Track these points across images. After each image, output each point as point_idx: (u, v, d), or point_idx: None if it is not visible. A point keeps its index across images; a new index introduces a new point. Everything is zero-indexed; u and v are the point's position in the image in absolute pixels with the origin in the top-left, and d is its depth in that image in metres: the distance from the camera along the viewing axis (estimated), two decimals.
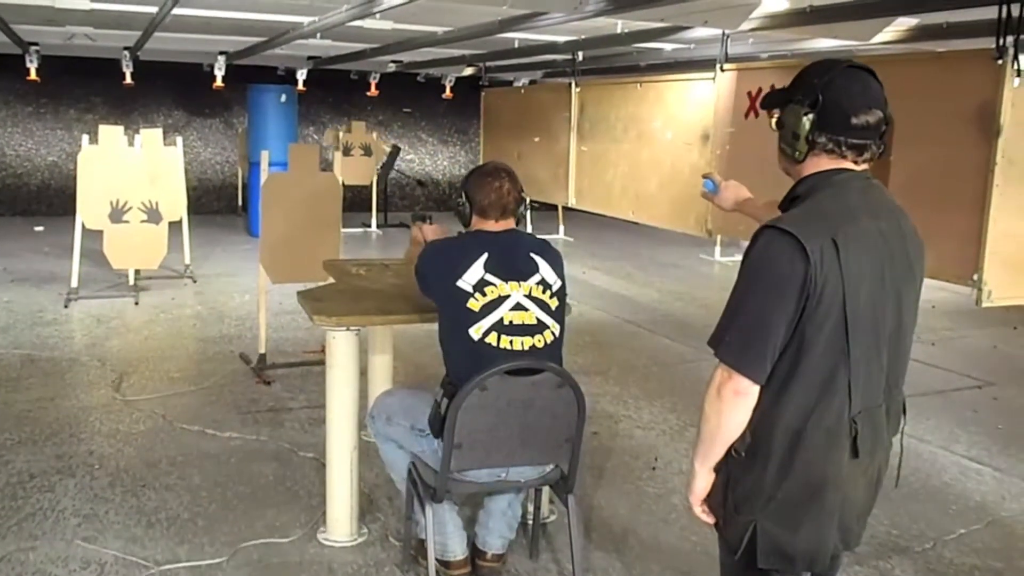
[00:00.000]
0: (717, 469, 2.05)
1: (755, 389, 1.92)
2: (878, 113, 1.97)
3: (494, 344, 2.93)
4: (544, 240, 3.22)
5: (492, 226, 3.09)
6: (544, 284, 3.03)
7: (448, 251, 3.07)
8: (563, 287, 3.10)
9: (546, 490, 3.60)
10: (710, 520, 2.12)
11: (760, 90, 5.08)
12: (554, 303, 3.04)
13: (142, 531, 3.68)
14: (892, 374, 2.03)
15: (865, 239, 1.92)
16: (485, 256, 2.97)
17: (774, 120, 2.09)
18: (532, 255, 3.06)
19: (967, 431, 5.20)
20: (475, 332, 2.93)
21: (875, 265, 1.93)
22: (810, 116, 1.97)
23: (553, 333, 3.03)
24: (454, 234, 3.27)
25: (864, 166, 2.02)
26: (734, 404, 1.93)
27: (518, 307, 2.96)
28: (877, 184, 2.05)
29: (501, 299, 2.95)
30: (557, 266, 3.10)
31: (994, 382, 6.20)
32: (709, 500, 2.09)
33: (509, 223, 3.12)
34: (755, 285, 1.92)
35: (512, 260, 3.02)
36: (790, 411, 1.93)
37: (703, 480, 2.06)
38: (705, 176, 2.86)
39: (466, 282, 2.94)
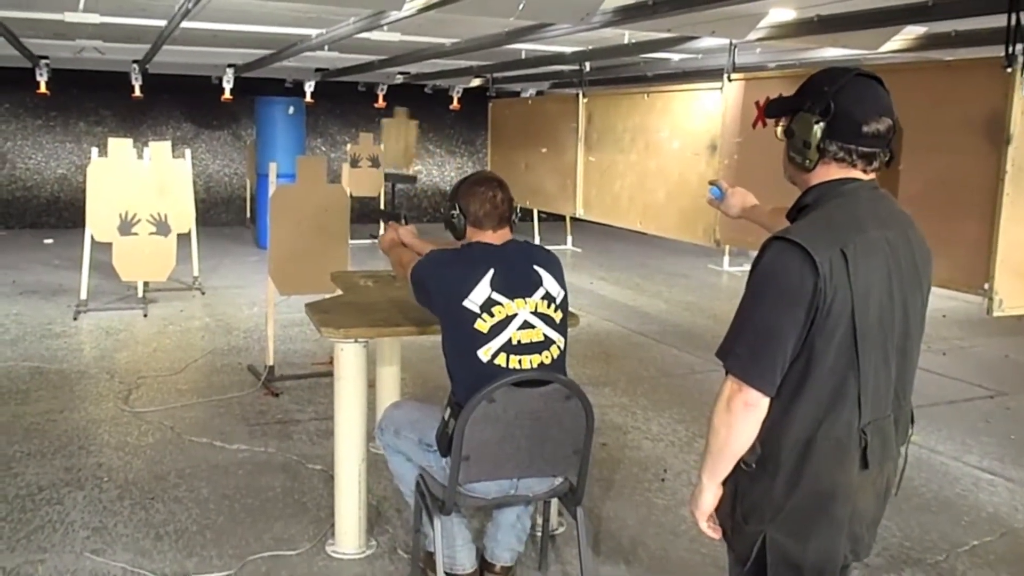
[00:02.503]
0: (724, 481, 2.03)
1: (765, 401, 1.91)
2: (888, 121, 1.97)
3: (503, 365, 2.90)
4: (542, 247, 3.19)
5: (491, 237, 3.05)
6: (549, 297, 3.00)
7: (453, 266, 3.01)
8: (565, 297, 3.07)
9: (555, 502, 3.58)
10: (716, 535, 2.10)
11: (768, 100, 5.07)
12: (558, 316, 3.02)
13: (150, 544, 3.67)
14: (900, 384, 2.02)
15: (873, 250, 1.91)
16: (491, 273, 2.93)
17: (780, 128, 2.08)
18: (536, 267, 3.02)
19: (979, 441, 5.17)
20: (484, 354, 2.90)
21: (883, 275, 1.92)
22: (821, 124, 1.96)
23: (559, 347, 3.02)
24: (426, 235, 3.23)
25: (872, 175, 2.01)
26: (744, 416, 1.92)
27: (525, 325, 2.94)
28: (884, 193, 2.04)
29: (509, 319, 2.91)
30: (558, 275, 3.07)
31: (1006, 392, 6.16)
32: (717, 511, 2.07)
33: (507, 233, 3.08)
34: (764, 297, 1.91)
35: (518, 275, 2.98)
36: (799, 422, 1.92)
37: (711, 495, 2.04)
38: (711, 183, 2.83)
39: (473, 302, 2.90)
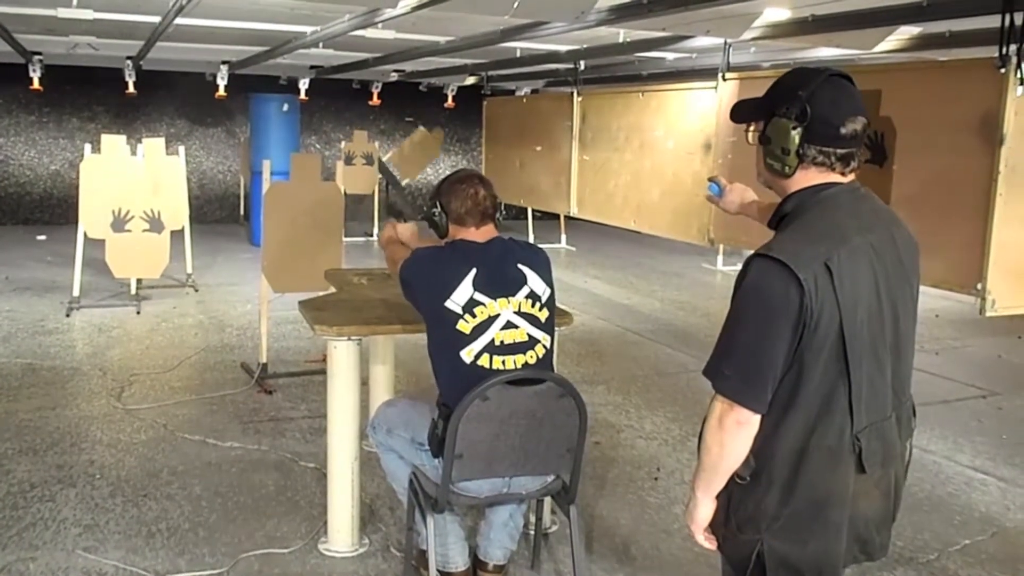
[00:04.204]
0: (718, 493, 2.03)
1: (756, 418, 1.90)
2: (862, 120, 1.95)
3: (486, 366, 2.89)
4: (530, 245, 3.17)
5: (474, 234, 3.03)
6: (533, 296, 2.98)
7: (436, 265, 2.99)
8: (552, 295, 3.06)
9: (548, 500, 3.58)
10: (712, 546, 2.09)
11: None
12: (544, 315, 3.00)
13: (143, 541, 3.67)
14: (897, 383, 2.01)
15: (857, 257, 1.90)
16: (473, 272, 2.91)
17: (753, 134, 2.05)
18: (520, 266, 3.00)
19: (972, 441, 5.18)
20: (466, 355, 2.89)
21: (870, 282, 1.91)
22: (799, 129, 1.93)
23: (544, 346, 3.01)
24: (425, 233, 3.22)
25: (851, 176, 1.99)
26: (736, 434, 1.91)
27: (508, 325, 2.92)
28: (866, 193, 2.02)
29: (491, 319, 2.90)
30: (545, 272, 3.05)
31: (999, 392, 6.18)
32: (711, 521, 2.07)
33: (490, 230, 3.06)
34: (750, 316, 1.89)
35: (500, 274, 2.96)
36: (791, 434, 1.91)
37: (706, 509, 2.03)
38: (711, 179, 2.76)
39: (455, 303, 2.89)
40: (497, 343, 2.90)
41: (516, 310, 2.94)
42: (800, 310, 1.83)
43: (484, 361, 2.89)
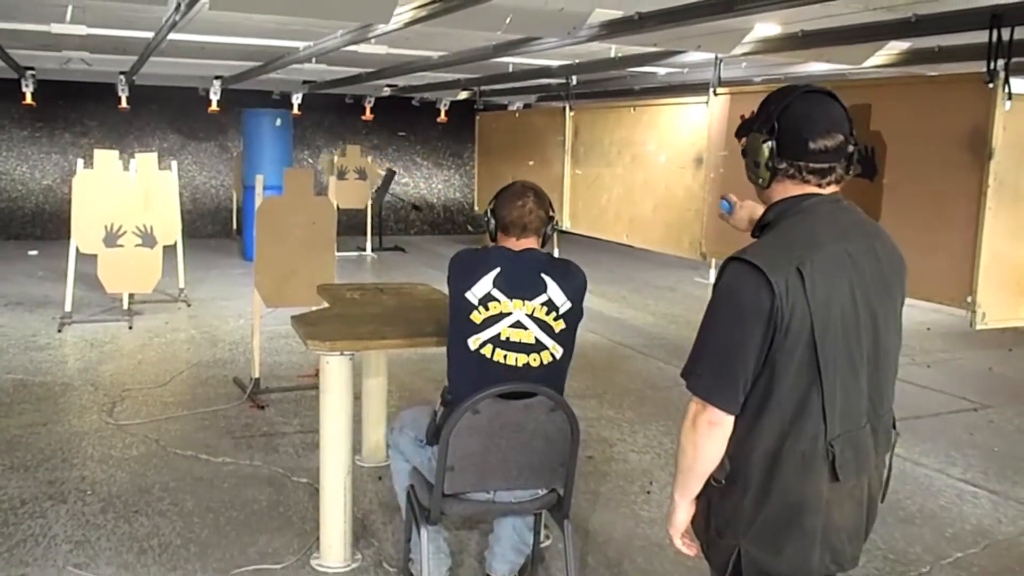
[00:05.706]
0: (698, 497, 2.05)
1: (729, 419, 1.93)
2: (838, 136, 1.97)
3: (488, 356, 2.99)
4: (565, 262, 3.22)
5: (512, 244, 3.14)
6: (550, 305, 3.05)
7: (468, 262, 3.14)
8: (573, 310, 3.11)
9: (542, 514, 3.58)
10: (691, 552, 2.12)
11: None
12: (559, 325, 3.06)
13: (134, 557, 3.65)
14: (875, 394, 2.02)
15: (832, 264, 1.92)
16: (496, 271, 3.03)
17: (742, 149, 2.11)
18: (543, 275, 3.08)
19: (963, 454, 5.19)
20: (472, 343, 3.00)
21: (845, 289, 1.93)
22: (769, 143, 1.98)
23: (552, 355, 3.06)
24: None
25: (831, 189, 2.01)
26: (709, 435, 1.95)
27: (518, 325, 3.01)
28: (847, 206, 2.05)
29: (502, 315, 3.00)
30: (571, 289, 3.11)
31: (990, 404, 6.20)
32: (693, 526, 2.09)
33: (530, 242, 3.15)
34: (723, 317, 1.93)
35: (521, 278, 3.05)
36: (765, 437, 1.93)
37: (684, 513, 2.07)
38: (722, 197, 2.81)
39: (473, 294, 3.01)
40: (503, 338, 3.01)
41: (529, 313, 3.03)
42: (771, 312, 1.86)
43: (487, 351, 2.99)
